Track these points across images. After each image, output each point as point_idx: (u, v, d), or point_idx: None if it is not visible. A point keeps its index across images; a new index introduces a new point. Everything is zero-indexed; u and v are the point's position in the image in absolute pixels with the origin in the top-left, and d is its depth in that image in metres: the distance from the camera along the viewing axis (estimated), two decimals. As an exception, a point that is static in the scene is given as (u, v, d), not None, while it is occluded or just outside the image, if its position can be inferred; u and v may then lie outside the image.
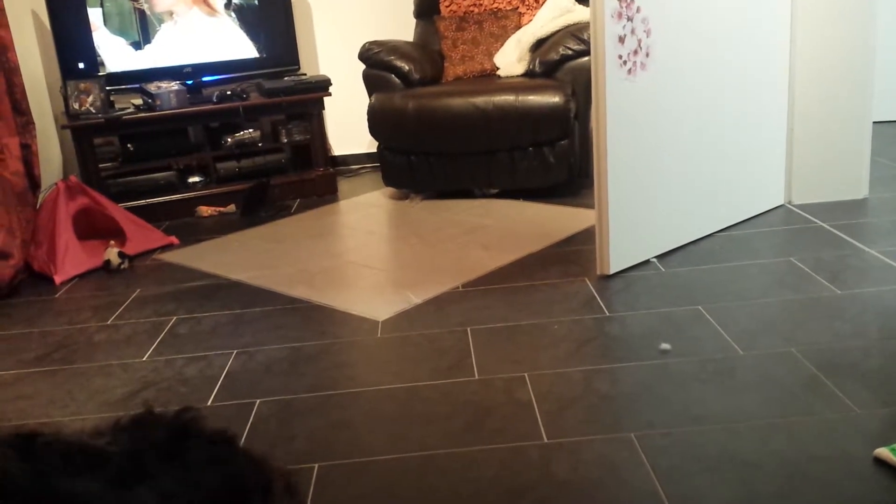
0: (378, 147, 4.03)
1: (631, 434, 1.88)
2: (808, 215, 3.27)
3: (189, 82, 4.17)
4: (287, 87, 4.16)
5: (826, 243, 2.97)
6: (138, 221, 3.65)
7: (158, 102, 3.96)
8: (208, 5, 4.23)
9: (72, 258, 3.32)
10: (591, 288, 2.76)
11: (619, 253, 2.84)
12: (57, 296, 3.14)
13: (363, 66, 4.05)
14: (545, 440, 1.90)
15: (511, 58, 4.06)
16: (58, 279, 3.24)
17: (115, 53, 4.11)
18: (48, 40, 4.07)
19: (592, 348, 2.34)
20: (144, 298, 3.03)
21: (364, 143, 4.63)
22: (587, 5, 3.37)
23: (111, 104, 4.05)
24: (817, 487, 1.65)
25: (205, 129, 4.30)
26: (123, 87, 4.11)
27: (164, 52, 4.18)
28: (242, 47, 4.31)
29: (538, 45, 3.99)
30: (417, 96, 3.86)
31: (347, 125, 4.65)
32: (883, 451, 1.71)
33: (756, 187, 3.30)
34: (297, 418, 2.09)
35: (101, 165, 4.00)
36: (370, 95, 3.99)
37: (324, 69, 4.61)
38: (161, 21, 4.18)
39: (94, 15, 4.04)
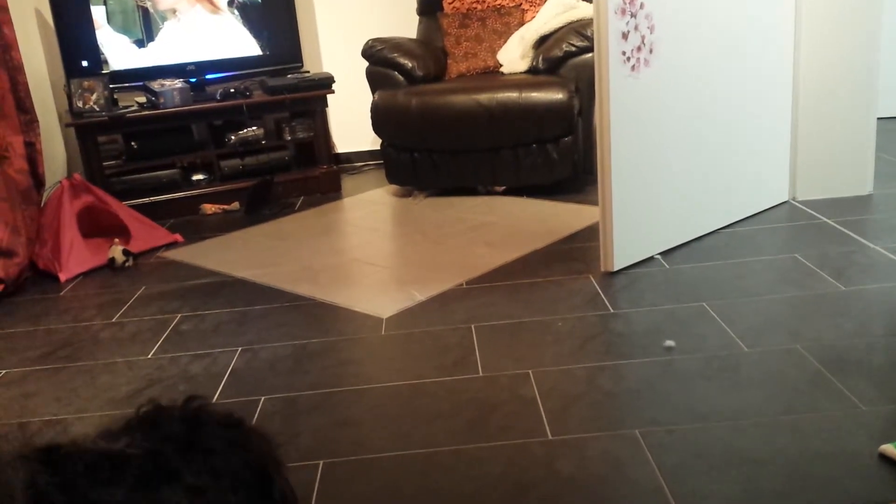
0: (381, 144, 4.03)
1: (635, 431, 1.88)
2: (812, 211, 3.27)
3: (192, 80, 4.17)
4: (290, 84, 4.16)
5: (831, 239, 2.96)
6: (142, 219, 3.65)
7: (162, 100, 3.97)
8: (211, 3, 4.23)
9: (76, 256, 3.33)
10: (595, 285, 2.76)
11: (623, 250, 2.84)
12: (61, 294, 3.15)
13: (366, 64, 4.05)
14: (550, 437, 1.90)
15: (514, 55, 4.06)
16: (62, 277, 3.25)
17: (119, 51, 4.11)
18: (52, 38, 4.08)
19: (596, 345, 2.34)
20: (149, 296, 3.03)
21: (367, 140, 4.63)
22: (590, 2, 3.36)
23: (115, 102, 4.05)
24: (822, 484, 1.65)
25: (208, 127, 4.31)
26: (127, 84, 4.12)
27: (167, 49, 4.19)
28: (246, 45, 4.31)
29: (541, 42, 3.99)
30: (421, 93, 3.85)
31: (351, 122, 4.65)
32: (888, 448, 1.71)
33: (760, 184, 3.29)
34: (302, 415, 2.09)
35: (104, 163, 4.00)
36: (373, 93, 3.99)
37: (327, 66, 4.61)
38: (164, 19, 4.18)
39: (98, 13, 4.04)
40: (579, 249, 3.11)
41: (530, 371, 2.21)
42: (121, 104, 4.09)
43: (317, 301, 2.83)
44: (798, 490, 1.64)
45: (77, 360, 2.54)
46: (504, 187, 3.93)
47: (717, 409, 1.95)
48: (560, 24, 3.95)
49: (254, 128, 4.28)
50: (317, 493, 1.77)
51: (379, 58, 4.01)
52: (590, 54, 3.64)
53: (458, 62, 4.17)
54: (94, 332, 2.74)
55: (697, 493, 1.65)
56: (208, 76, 4.25)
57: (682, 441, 1.83)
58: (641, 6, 2.68)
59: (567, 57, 3.79)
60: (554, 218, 3.53)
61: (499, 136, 3.75)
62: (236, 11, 4.28)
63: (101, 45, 4.05)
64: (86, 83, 3.91)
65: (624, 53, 2.66)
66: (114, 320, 2.83)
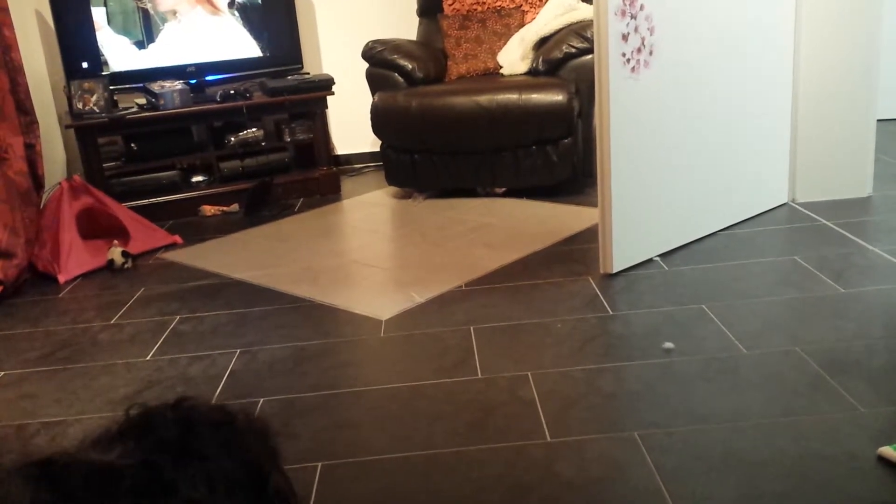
0: (381, 146, 4.03)
1: (634, 433, 1.88)
2: (811, 213, 3.27)
3: (192, 81, 4.17)
4: (290, 86, 4.16)
5: (830, 241, 2.96)
6: (142, 221, 3.65)
7: (162, 102, 3.97)
8: (212, 4, 4.24)
9: (75, 258, 3.33)
10: (595, 287, 2.76)
11: (623, 251, 2.84)
12: (61, 295, 3.15)
13: (366, 65, 4.05)
14: (549, 439, 1.90)
15: (514, 56, 4.06)
16: (61, 279, 3.25)
17: (119, 53, 4.11)
18: (52, 40, 4.08)
19: (596, 347, 2.34)
20: (148, 298, 3.03)
21: (367, 141, 4.63)
22: (590, 3, 3.37)
23: (115, 103, 4.05)
24: (821, 486, 1.64)
25: (208, 129, 4.31)
26: (127, 86, 4.12)
27: (167, 51, 4.19)
28: (246, 46, 4.32)
29: (541, 44, 3.99)
30: (421, 95, 3.85)
31: (350, 124, 4.65)
32: (887, 450, 1.71)
33: (760, 185, 3.29)
34: (301, 417, 2.09)
35: (104, 165, 4.00)
36: (373, 94, 3.99)
37: (327, 68, 4.61)
38: (164, 20, 4.18)
39: (98, 14, 4.04)
40: (579, 251, 3.11)
41: (529, 373, 2.21)
42: (121, 106, 4.09)
43: (316, 303, 2.83)
44: (797, 492, 1.63)
45: (76, 362, 2.54)
46: (504, 189, 3.93)
47: (717, 411, 1.95)
48: (560, 26, 3.95)
49: (253, 129, 4.28)
50: (315, 495, 1.77)
51: (379, 59, 4.01)
52: (590, 56, 3.64)
53: (458, 64, 4.17)
54: (93, 334, 2.74)
55: (696, 495, 1.65)
56: (208, 78, 4.25)
57: (682, 443, 1.83)
58: (641, 8, 2.68)
59: (567, 58, 3.79)
60: (553, 219, 3.53)
61: (499, 137, 3.75)
62: (236, 13, 4.28)
63: (101, 47, 4.05)
64: (86, 84, 3.91)
65: (624, 55, 2.66)
66: (113, 322, 2.83)
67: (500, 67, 4.12)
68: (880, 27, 3.24)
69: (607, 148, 2.71)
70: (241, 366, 2.41)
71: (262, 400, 2.19)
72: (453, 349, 2.40)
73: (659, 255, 2.95)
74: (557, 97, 3.65)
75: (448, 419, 2.02)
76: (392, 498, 1.75)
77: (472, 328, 2.52)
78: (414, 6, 4.46)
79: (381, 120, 3.92)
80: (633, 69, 2.71)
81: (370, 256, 3.30)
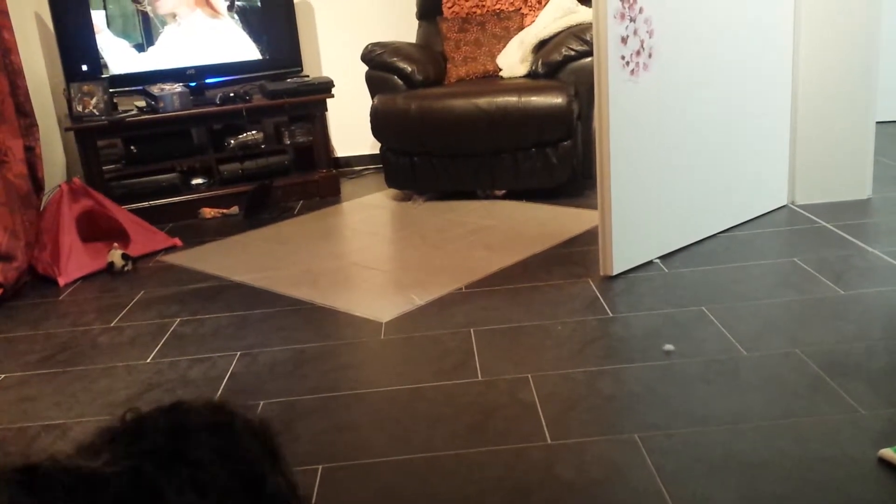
0: (381, 148, 4.03)
1: (635, 435, 1.88)
2: (811, 215, 3.27)
3: (192, 84, 4.17)
4: (290, 88, 4.16)
5: (830, 243, 2.96)
6: (142, 223, 3.65)
7: (161, 104, 3.97)
8: (211, 7, 4.24)
9: (75, 260, 3.33)
10: (595, 289, 2.76)
11: (623, 254, 2.84)
12: (60, 298, 3.15)
13: (366, 68, 4.06)
14: (549, 441, 1.90)
15: (514, 59, 4.06)
16: (61, 281, 3.25)
17: (119, 55, 4.12)
18: (51, 42, 4.08)
19: (596, 349, 2.34)
20: (148, 300, 3.03)
21: (367, 144, 4.64)
22: (590, 6, 3.37)
23: (114, 106, 4.05)
24: (821, 488, 1.64)
25: (208, 131, 4.31)
26: (127, 89, 4.12)
27: (167, 54, 4.19)
28: (245, 49, 4.32)
29: (541, 46, 3.99)
30: (420, 97, 3.86)
31: (350, 127, 4.65)
32: (887, 452, 1.71)
33: (759, 188, 3.29)
34: (301, 420, 2.09)
35: (104, 167, 4.00)
36: (373, 97, 3.99)
37: (326, 71, 4.62)
38: (164, 23, 4.18)
39: (98, 17, 4.04)
40: (578, 253, 3.11)
41: (529, 375, 2.21)
42: (120, 108, 4.10)
43: (316, 305, 2.83)
44: (797, 494, 1.63)
45: (76, 365, 2.54)
46: (503, 191, 3.94)
47: (717, 412, 1.95)
48: (559, 29, 3.96)
49: (253, 132, 4.28)
50: (316, 498, 1.77)
51: (378, 62, 4.02)
52: (589, 58, 3.64)
53: (458, 66, 4.18)
54: (93, 337, 2.74)
55: (697, 497, 1.65)
56: (208, 80, 4.26)
57: (682, 445, 1.83)
58: (641, 10, 2.69)
59: (566, 61, 3.79)
60: (553, 222, 3.53)
61: (498, 140, 3.75)
62: (236, 16, 4.29)
63: (100, 50, 4.06)
64: (85, 87, 3.92)
65: (623, 58, 2.67)
66: (113, 324, 2.83)
67: (500, 70, 4.13)
68: (880, 28, 3.25)
69: (607, 150, 2.71)
70: (242, 368, 2.41)
71: (262, 402, 2.19)
72: (453, 351, 2.40)
73: (659, 257, 2.96)
74: (557, 100, 3.65)
75: (448, 421, 2.02)
76: (392, 500, 1.75)
77: (472, 330, 2.52)
78: (413, 9, 4.46)
79: (380, 122, 3.92)
80: (632, 72, 2.71)
81: (370, 259, 3.30)
